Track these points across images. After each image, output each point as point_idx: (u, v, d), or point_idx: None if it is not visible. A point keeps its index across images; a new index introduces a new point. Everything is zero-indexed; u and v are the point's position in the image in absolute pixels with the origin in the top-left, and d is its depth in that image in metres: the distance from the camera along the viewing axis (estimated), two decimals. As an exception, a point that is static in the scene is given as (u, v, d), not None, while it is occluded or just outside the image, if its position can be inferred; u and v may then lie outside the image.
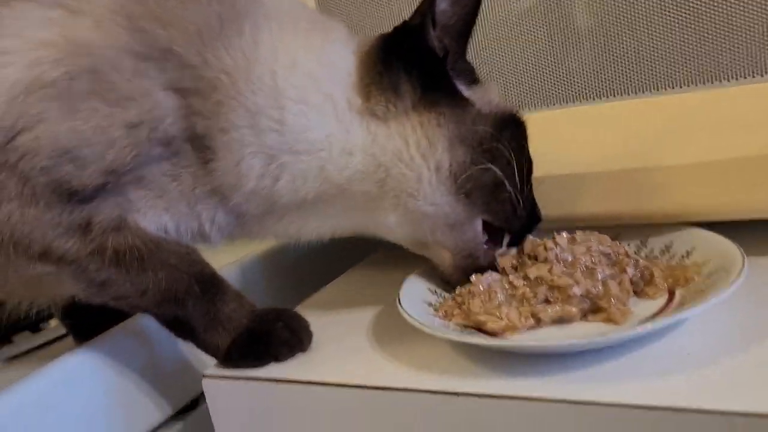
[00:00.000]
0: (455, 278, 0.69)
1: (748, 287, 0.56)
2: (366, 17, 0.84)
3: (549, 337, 0.59)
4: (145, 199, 0.64)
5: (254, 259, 0.93)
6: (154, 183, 0.64)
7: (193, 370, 0.77)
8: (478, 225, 0.67)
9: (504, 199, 0.66)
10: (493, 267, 0.68)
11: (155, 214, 0.65)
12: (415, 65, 0.65)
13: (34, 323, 0.93)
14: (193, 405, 0.79)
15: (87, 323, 0.76)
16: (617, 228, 0.72)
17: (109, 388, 0.71)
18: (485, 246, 0.68)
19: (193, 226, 0.68)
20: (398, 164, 0.65)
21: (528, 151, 0.68)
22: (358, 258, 0.94)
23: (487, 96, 0.69)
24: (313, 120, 0.64)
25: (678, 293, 0.61)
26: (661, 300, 0.61)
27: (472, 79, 0.69)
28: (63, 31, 0.59)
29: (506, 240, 0.69)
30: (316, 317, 0.71)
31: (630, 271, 0.62)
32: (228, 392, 0.65)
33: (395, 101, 0.65)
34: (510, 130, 0.67)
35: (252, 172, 0.64)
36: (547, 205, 0.71)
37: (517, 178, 0.65)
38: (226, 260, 0.90)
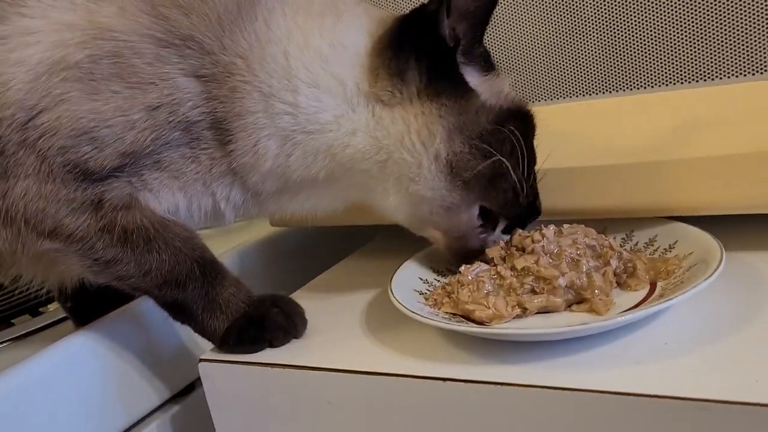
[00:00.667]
0: (449, 260, 0.72)
1: (726, 280, 0.59)
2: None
3: (534, 326, 0.61)
4: (159, 180, 0.66)
5: (252, 246, 0.95)
6: (171, 165, 0.65)
7: (191, 355, 0.79)
8: (475, 210, 0.69)
9: (506, 188, 0.67)
10: (482, 250, 0.70)
11: (168, 193, 0.67)
12: (424, 53, 0.65)
13: (33, 307, 0.95)
14: (189, 389, 0.81)
15: (86, 307, 0.78)
16: (604, 221, 0.74)
17: (108, 372, 0.73)
18: (479, 230, 0.70)
19: (207, 204, 0.70)
20: (400, 149, 0.66)
21: (532, 144, 0.70)
22: (353, 247, 0.96)
23: (497, 86, 0.70)
24: (325, 102, 0.66)
25: (659, 285, 0.63)
26: (643, 291, 0.63)
27: (486, 66, 0.70)
28: (88, 15, 0.61)
29: (500, 227, 0.70)
30: (311, 304, 0.73)
31: (614, 263, 0.64)
32: (224, 376, 0.67)
33: (401, 87, 0.66)
34: (514, 122, 0.67)
35: (269, 153, 0.66)
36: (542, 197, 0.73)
37: (520, 169, 0.67)
38: (224, 248, 0.92)
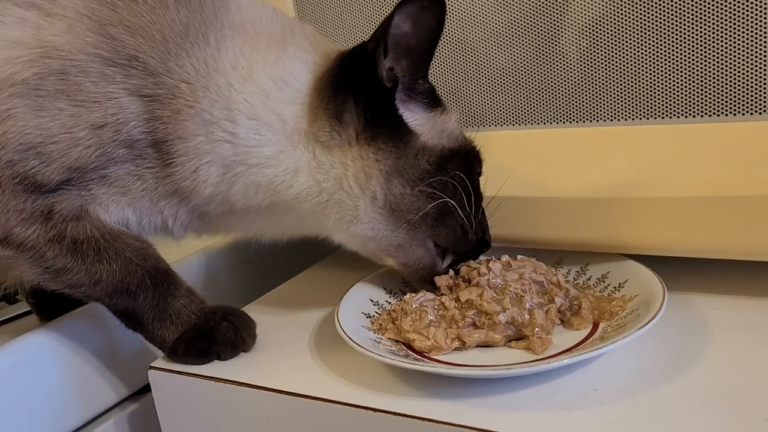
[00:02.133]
0: (415, 284, 0.73)
1: (669, 325, 0.60)
2: (342, 23, 0.85)
3: (472, 360, 0.61)
4: (107, 195, 0.67)
5: (220, 249, 0.96)
6: (117, 181, 0.66)
7: (149, 355, 0.80)
8: (429, 244, 0.70)
9: (453, 225, 0.68)
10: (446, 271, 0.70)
11: (117, 208, 0.68)
12: (362, 94, 0.65)
13: (11, 295, 0.96)
14: (147, 388, 0.82)
15: (50, 304, 0.79)
16: (561, 252, 0.75)
17: (66, 369, 0.74)
18: (439, 258, 0.71)
19: (156, 221, 0.71)
20: (339, 191, 0.66)
21: (477, 181, 0.70)
22: (324, 253, 0.96)
23: (441, 124, 0.69)
24: (265, 136, 0.66)
25: (601, 326, 0.64)
26: (585, 331, 0.64)
27: (431, 102, 0.69)
28: (36, 33, 0.62)
29: (448, 260, 0.71)
30: (266, 316, 0.74)
31: (558, 300, 0.65)
32: (172, 385, 0.69)
33: (339, 129, 0.66)
34: (457, 162, 0.67)
35: (209, 180, 0.67)
36: (499, 225, 0.73)
37: (466, 206, 0.67)
38: (193, 249, 0.93)
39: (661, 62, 0.66)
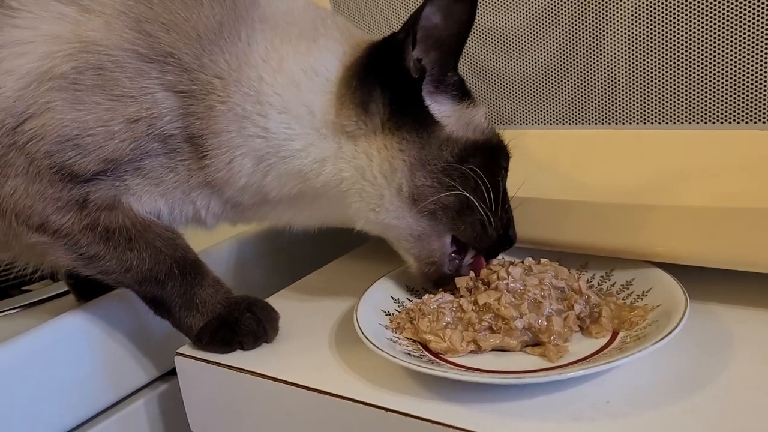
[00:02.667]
0: (422, 284, 0.73)
1: (689, 336, 0.60)
2: (378, 14, 0.84)
3: (486, 363, 0.62)
4: (141, 185, 0.69)
5: (252, 236, 0.98)
6: (151, 173, 0.68)
7: (179, 339, 0.83)
8: (447, 238, 0.70)
9: (473, 220, 0.68)
10: (456, 275, 0.71)
11: (150, 199, 0.70)
12: (389, 84, 0.66)
13: (55, 273, 1.00)
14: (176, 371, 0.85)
15: (87, 286, 0.82)
16: (587, 256, 0.74)
17: (101, 349, 0.78)
18: (452, 256, 0.71)
19: (188, 211, 0.73)
20: (362, 180, 0.67)
21: (500, 177, 0.69)
22: (354, 244, 0.97)
23: (468, 116, 0.69)
24: (294, 130, 0.67)
25: (620, 335, 0.63)
26: (604, 340, 0.63)
27: (460, 95, 0.69)
28: (75, 28, 0.63)
29: (469, 255, 0.71)
30: (292, 306, 0.76)
31: (578, 308, 0.64)
32: (196, 371, 0.71)
33: (365, 119, 0.66)
34: (481, 155, 0.67)
35: (243, 171, 0.68)
36: (524, 226, 0.73)
37: (487, 201, 0.67)
38: (225, 235, 0.95)
39: (699, 66, 0.64)
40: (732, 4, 0.61)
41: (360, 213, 0.69)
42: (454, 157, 0.66)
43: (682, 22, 0.64)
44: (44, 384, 0.73)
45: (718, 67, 0.64)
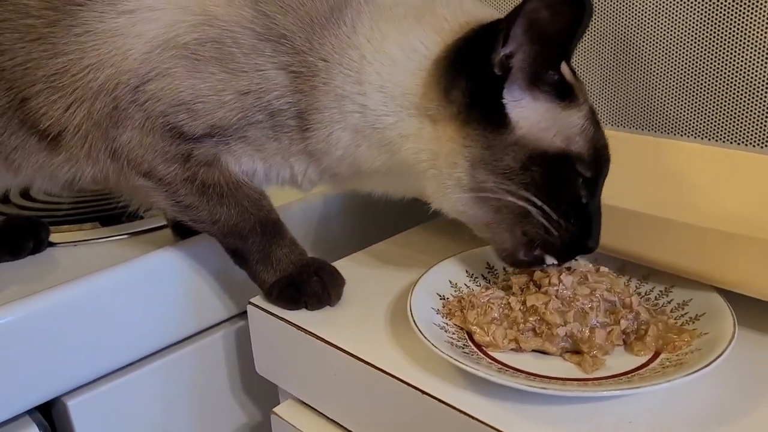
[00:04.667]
0: (502, 262, 0.75)
1: (729, 368, 0.60)
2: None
3: (524, 362, 0.64)
4: (243, 148, 0.75)
5: (339, 193, 1.03)
6: (255, 141, 0.74)
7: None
8: (518, 230, 0.69)
9: (535, 223, 0.68)
10: (533, 263, 0.71)
11: (249, 160, 0.76)
12: (473, 74, 0.66)
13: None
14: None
15: (184, 225, 0.90)
16: (648, 268, 0.74)
17: (188, 284, 0.86)
18: (526, 246, 0.71)
19: (285, 174, 0.78)
20: (433, 167, 0.70)
21: (571, 186, 0.67)
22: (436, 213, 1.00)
23: (554, 120, 0.67)
24: (389, 105, 0.70)
25: (661, 356, 0.64)
26: (644, 358, 0.64)
27: (556, 95, 0.67)
28: (200, 1, 0.69)
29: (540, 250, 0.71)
30: (359, 272, 0.81)
31: (624, 323, 0.65)
32: (263, 321, 0.78)
33: (445, 105, 0.67)
34: (549, 165, 0.66)
35: (340, 143, 0.73)
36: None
37: (548, 212, 0.67)
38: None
39: None
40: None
41: (434, 195, 0.72)
42: (517, 163, 0.66)
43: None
44: (137, 309, 0.83)
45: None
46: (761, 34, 0.64)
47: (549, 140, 0.67)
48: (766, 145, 0.65)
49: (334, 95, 0.70)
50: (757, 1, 0.64)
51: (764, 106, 0.64)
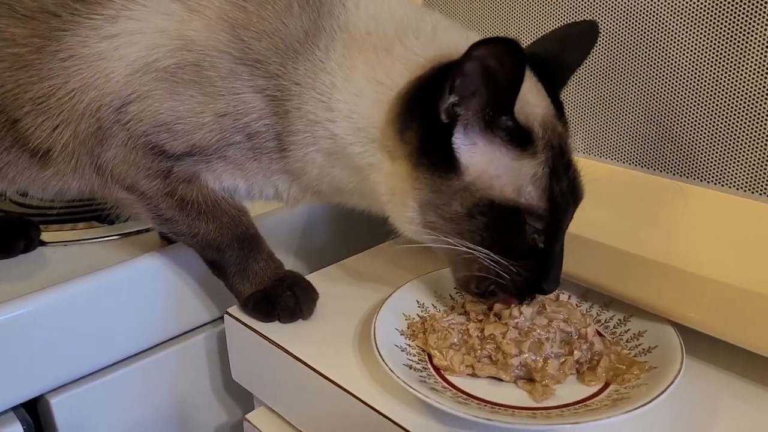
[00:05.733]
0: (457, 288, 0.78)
1: (674, 402, 0.63)
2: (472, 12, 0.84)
3: (478, 387, 0.67)
4: (224, 167, 0.77)
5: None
6: (235, 159, 0.76)
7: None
8: (472, 266, 0.69)
9: (485, 266, 0.68)
10: (491, 296, 0.71)
11: (230, 178, 0.78)
12: (424, 118, 0.66)
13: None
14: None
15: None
16: (610, 297, 0.77)
17: (172, 287, 0.89)
18: (478, 281, 0.71)
19: (269, 192, 0.81)
20: (390, 200, 0.71)
21: (523, 236, 0.67)
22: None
23: (507, 167, 0.66)
24: (356, 135, 0.71)
25: (610, 388, 0.67)
26: (594, 389, 0.67)
27: (511, 141, 0.66)
28: (179, 26, 0.71)
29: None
30: (333, 286, 0.83)
31: (577, 354, 0.68)
32: (239, 331, 0.81)
33: (400, 144, 0.68)
34: (495, 214, 0.66)
35: (315, 163, 0.75)
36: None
37: (496, 257, 0.67)
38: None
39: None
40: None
41: (395, 223, 0.74)
42: (464, 209, 0.66)
43: None
44: (121, 312, 0.86)
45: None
46: (739, 81, 0.65)
47: (498, 189, 0.66)
48: (744, 188, 0.66)
49: (307, 120, 0.72)
50: (746, 47, 0.63)
51: (743, 150, 0.65)
